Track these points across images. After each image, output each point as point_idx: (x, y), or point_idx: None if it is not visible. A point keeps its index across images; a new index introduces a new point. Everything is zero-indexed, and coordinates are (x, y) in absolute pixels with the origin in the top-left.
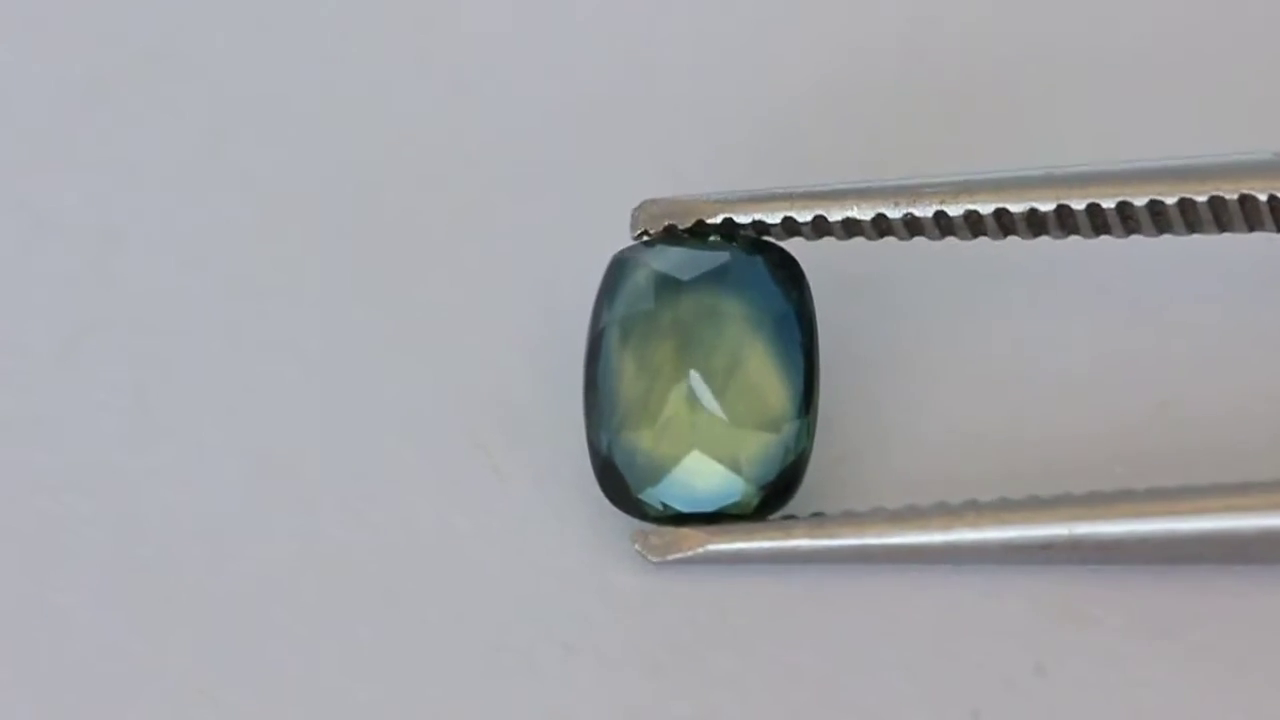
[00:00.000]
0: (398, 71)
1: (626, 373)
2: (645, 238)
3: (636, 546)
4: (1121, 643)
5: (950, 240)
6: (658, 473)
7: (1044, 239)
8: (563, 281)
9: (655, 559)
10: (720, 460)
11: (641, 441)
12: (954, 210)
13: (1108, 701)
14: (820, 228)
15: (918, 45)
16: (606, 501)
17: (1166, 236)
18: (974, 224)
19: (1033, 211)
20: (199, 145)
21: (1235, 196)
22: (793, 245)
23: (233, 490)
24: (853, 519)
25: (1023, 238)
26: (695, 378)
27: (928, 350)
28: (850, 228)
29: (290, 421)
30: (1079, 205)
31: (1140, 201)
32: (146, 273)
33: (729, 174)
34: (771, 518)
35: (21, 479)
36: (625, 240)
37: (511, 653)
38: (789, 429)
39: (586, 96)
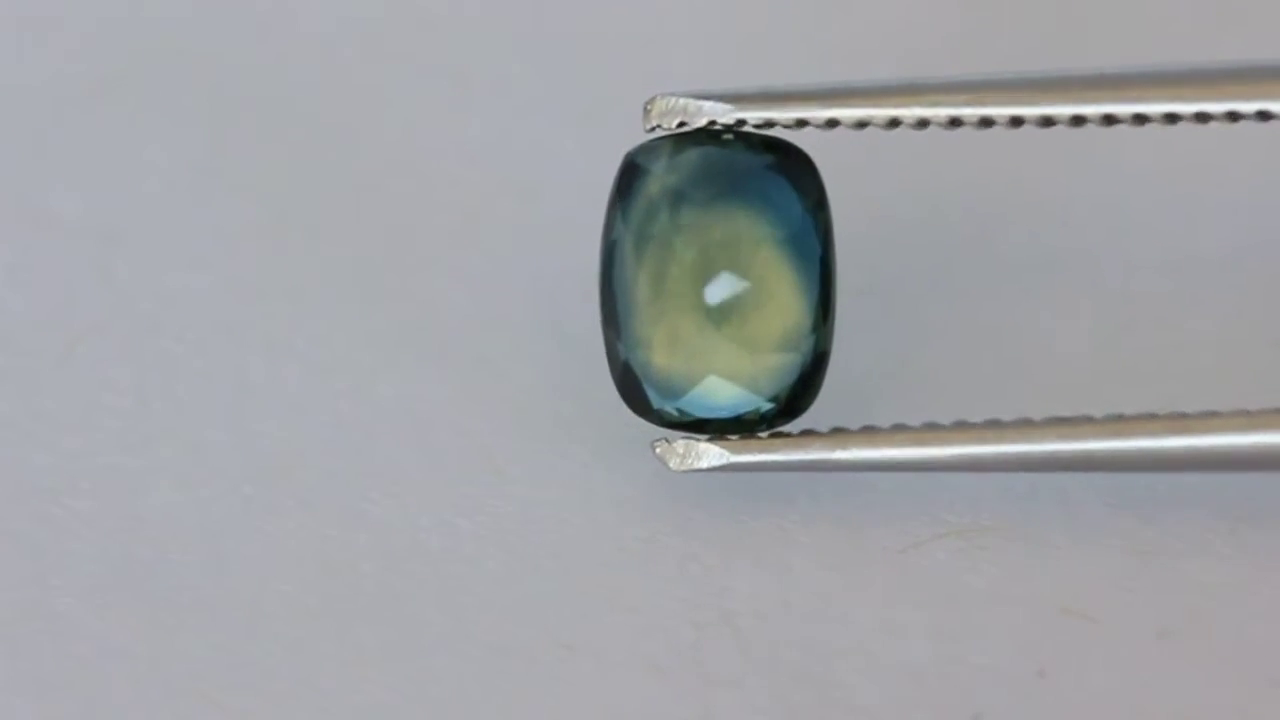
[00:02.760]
0: (398, 71)
1: (641, 290)
2: (658, 131)
3: (658, 453)
4: (1121, 643)
5: (968, 135)
6: (675, 390)
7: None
8: (563, 281)
9: (677, 468)
10: (737, 381)
11: (657, 360)
12: (970, 113)
13: (1109, 703)
14: (835, 126)
15: None
16: (605, 502)
17: None
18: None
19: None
20: (199, 145)
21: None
22: (804, 137)
23: (233, 490)
24: (874, 433)
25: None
26: (711, 299)
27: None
28: (864, 126)
29: (290, 421)
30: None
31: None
32: (146, 273)
33: None
34: (790, 429)
35: (21, 479)
36: None
37: (511, 653)
38: (807, 344)
39: (588, 94)
